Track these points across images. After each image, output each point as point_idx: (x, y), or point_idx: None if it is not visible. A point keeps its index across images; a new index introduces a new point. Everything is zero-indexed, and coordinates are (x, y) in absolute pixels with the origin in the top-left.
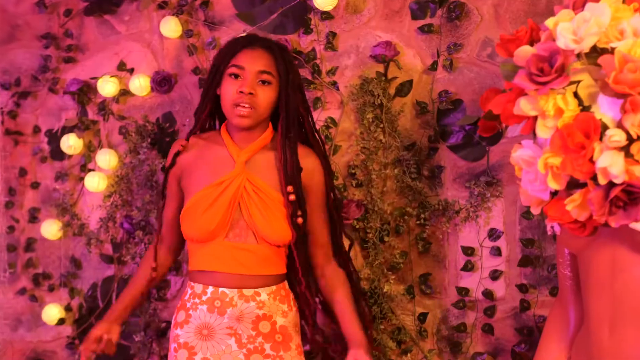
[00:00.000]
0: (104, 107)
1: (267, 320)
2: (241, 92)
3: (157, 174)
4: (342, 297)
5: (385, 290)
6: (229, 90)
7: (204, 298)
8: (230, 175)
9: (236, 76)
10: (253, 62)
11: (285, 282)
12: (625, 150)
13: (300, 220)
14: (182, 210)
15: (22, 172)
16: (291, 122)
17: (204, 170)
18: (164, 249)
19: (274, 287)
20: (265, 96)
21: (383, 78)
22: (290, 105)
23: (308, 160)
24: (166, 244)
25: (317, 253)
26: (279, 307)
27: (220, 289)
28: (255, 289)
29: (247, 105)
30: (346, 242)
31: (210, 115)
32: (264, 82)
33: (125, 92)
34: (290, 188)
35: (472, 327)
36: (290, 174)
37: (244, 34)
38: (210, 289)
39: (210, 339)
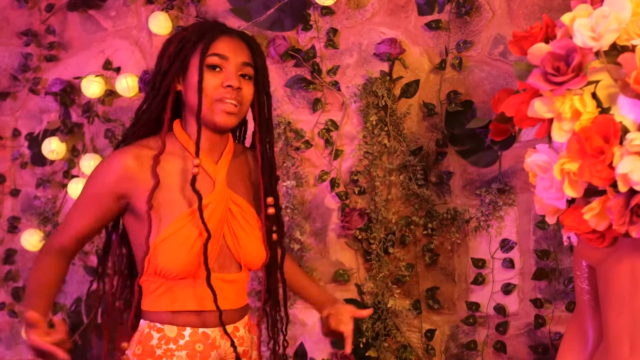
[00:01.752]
0: (88, 109)
1: (246, 357)
2: (229, 86)
3: None
4: (296, 271)
5: (389, 305)
6: (210, 84)
7: (181, 342)
8: (212, 197)
9: (215, 67)
10: (236, 52)
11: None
12: None
13: (275, 236)
14: (152, 240)
15: (1, 179)
16: (269, 124)
17: (173, 190)
18: (64, 258)
19: (246, 318)
20: (249, 91)
21: (388, 78)
22: (267, 105)
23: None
24: (67, 255)
25: None
26: (252, 340)
27: (200, 330)
28: (235, 324)
29: (234, 102)
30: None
31: (159, 117)
32: (244, 75)
33: (111, 93)
34: (270, 200)
35: (483, 345)
36: (270, 184)
37: (210, 21)
38: (187, 331)
39: None
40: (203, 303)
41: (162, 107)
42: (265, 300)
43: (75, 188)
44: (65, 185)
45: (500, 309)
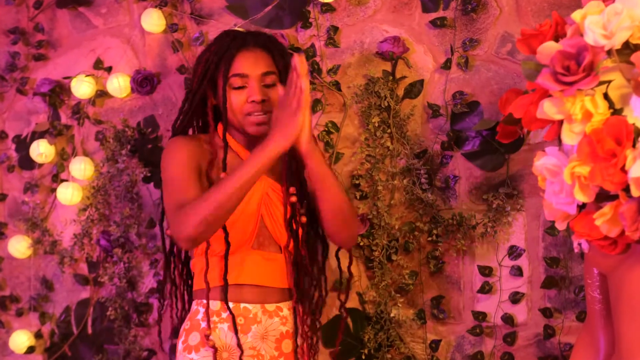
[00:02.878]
0: (78, 110)
1: (290, 339)
2: (253, 101)
3: (138, 185)
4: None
5: (392, 315)
6: (237, 102)
7: (223, 315)
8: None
9: (239, 87)
10: (255, 66)
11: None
12: None
13: (304, 219)
14: None
15: None
16: None
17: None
18: None
19: (290, 302)
20: (275, 98)
21: (390, 78)
22: None
23: None
24: None
25: None
26: (298, 326)
27: (242, 305)
28: (277, 304)
29: (261, 113)
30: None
31: (202, 121)
32: (268, 85)
33: (102, 94)
34: (292, 189)
35: (490, 356)
36: (294, 173)
37: (230, 34)
38: (230, 305)
39: None
40: (245, 276)
41: (197, 119)
42: (295, 281)
43: (64, 193)
44: (54, 190)
45: (508, 319)
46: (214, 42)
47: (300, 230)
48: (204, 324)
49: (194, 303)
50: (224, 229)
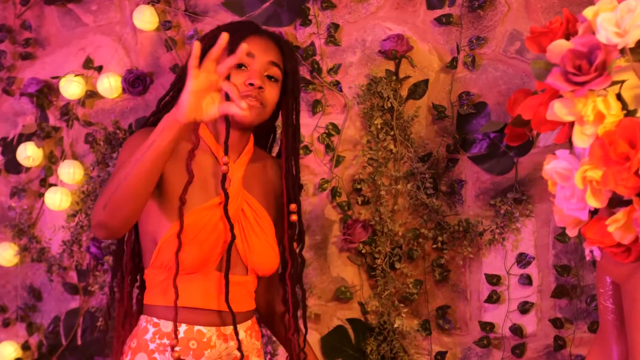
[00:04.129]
0: (67, 112)
1: None
2: (250, 84)
3: None
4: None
5: (396, 325)
6: (234, 82)
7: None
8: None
9: (241, 66)
10: (264, 52)
11: (255, 316)
12: None
13: (296, 245)
14: (165, 231)
15: None
16: (296, 131)
17: (193, 182)
18: None
19: (249, 322)
20: (273, 93)
21: (394, 77)
22: (296, 111)
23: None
24: None
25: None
26: (254, 345)
27: (196, 328)
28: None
29: (254, 100)
30: None
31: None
32: (271, 77)
33: (92, 94)
34: (293, 206)
35: None
36: (293, 191)
37: (243, 21)
38: (183, 327)
39: None
40: (207, 300)
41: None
42: (287, 310)
43: (52, 198)
44: (42, 195)
45: (516, 330)
46: (223, 26)
47: (288, 254)
48: (152, 346)
49: (143, 317)
50: (228, 250)
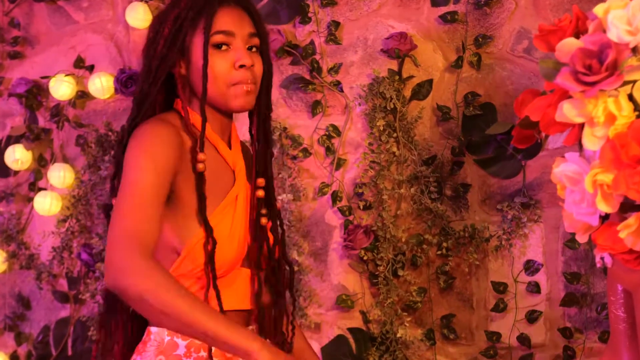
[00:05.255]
0: (57, 113)
1: None
2: (242, 66)
3: None
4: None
5: (399, 335)
6: (220, 68)
7: (213, 348)
8: (238, 187)
9: (221, 46)
10: (241, 24)
11: None
12: None
13: (264, 220)
14: (208, 229)
15: None
16: (270, 97)
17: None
18: None
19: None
20: (260, 65)
21: (397, 77)
22: (271, 74)
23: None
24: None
25: None
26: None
27: None
28: (252, 327)
29: (250, 82)
30: None
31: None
32: (251, 48)
33: (83, 95)
34: (260, 181)
35: None
36: (264, 163)
37: None
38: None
39: None
40: (239, 301)
41: (161, 93)
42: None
43: (42, 202)
44: (31, 199)
45: (524, 340)
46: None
47: (261, 232)
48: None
49: (159, 331)
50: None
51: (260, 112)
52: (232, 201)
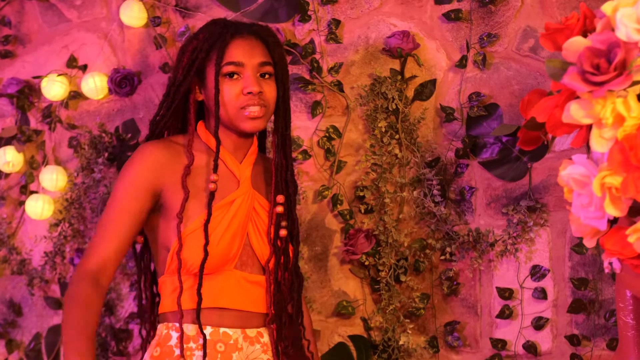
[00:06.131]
0: (49, 114)
1: None
2: (249, 92)
3: None
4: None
5: (401, 342)
6: (230, 94)
7: (200, 341)
8: (239, 193)
9: (233, 75)
10: (251, 55)
11: None
12: None
13: (283, 232)
14: (181, 233)
15: None
16: (289, 118)
17: (199, 186)
18: (100, 288)
19: (269, 328)
20: (272, 90)
21: (399, 77)
22: (287, 97)
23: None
24: (102, 284)
25: None
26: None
27: (222, 330)
28: (258, 329)
29: (257, 107)
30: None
31: (182, 119)
32: (264, 75)
33: (76, 95)
34: (280, 198)
35: None
36: (283, 180)
37: (221, 22)
38: (208, 330)
39: None
40: (228, 300)
41: (177, 117)
42: (273, 303)
43: (34, 206)
44: (22, 203)
45: (530, 347)
46: (203, 30)
47: (279, 244)
48: (177, 351)
49: (162, 326)
50: (205, 248)
51: (279, 132)
52: (226, 204)
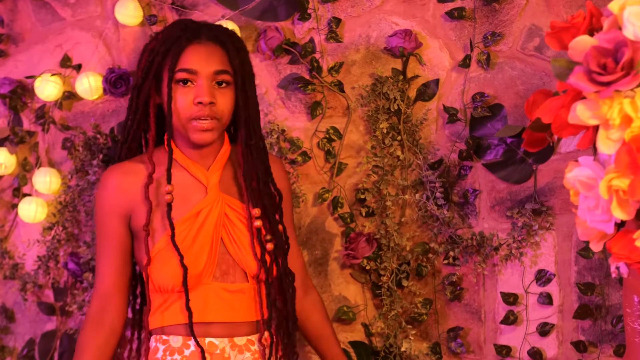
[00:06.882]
0: (43, 115)
1: None
2: (200, 102)
3: None
4: (320, 320)
5: (403, 349)
6: (182, 103)
7: (186, 352)
8: (205, 202)
9: (187, 82)
10: (206, 62)
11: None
12: None
13: (270, 246)
14: (148, 254)
15: None
16: (254, 126)
17: (175, 200)
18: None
19: (265, 334)
20: (227, 101)
21: (401, 77)
22: (251, 105)
23: (274, 167)
24: (111, 310)
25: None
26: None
27: (207, 339)
28: (247, 337)
29: (207, 118)
30: None
31: (144, 130)
32: (221, 83)
33: (70, 95)
34: (256, 212)
35: None
36: (256, 192)
37: (182, 23)
38: (193, 341)
39: None
40: (210, 314)
41: (145, 122)
42: (266, 319)
43: (27, 209)
44: (15, 206)
45: (535, 354)
46: (164, 30)
47: (267, 258)
48: None
49: (151, 340)
50: (182, 262)
51: (243, 143)
52: (192, 216)
